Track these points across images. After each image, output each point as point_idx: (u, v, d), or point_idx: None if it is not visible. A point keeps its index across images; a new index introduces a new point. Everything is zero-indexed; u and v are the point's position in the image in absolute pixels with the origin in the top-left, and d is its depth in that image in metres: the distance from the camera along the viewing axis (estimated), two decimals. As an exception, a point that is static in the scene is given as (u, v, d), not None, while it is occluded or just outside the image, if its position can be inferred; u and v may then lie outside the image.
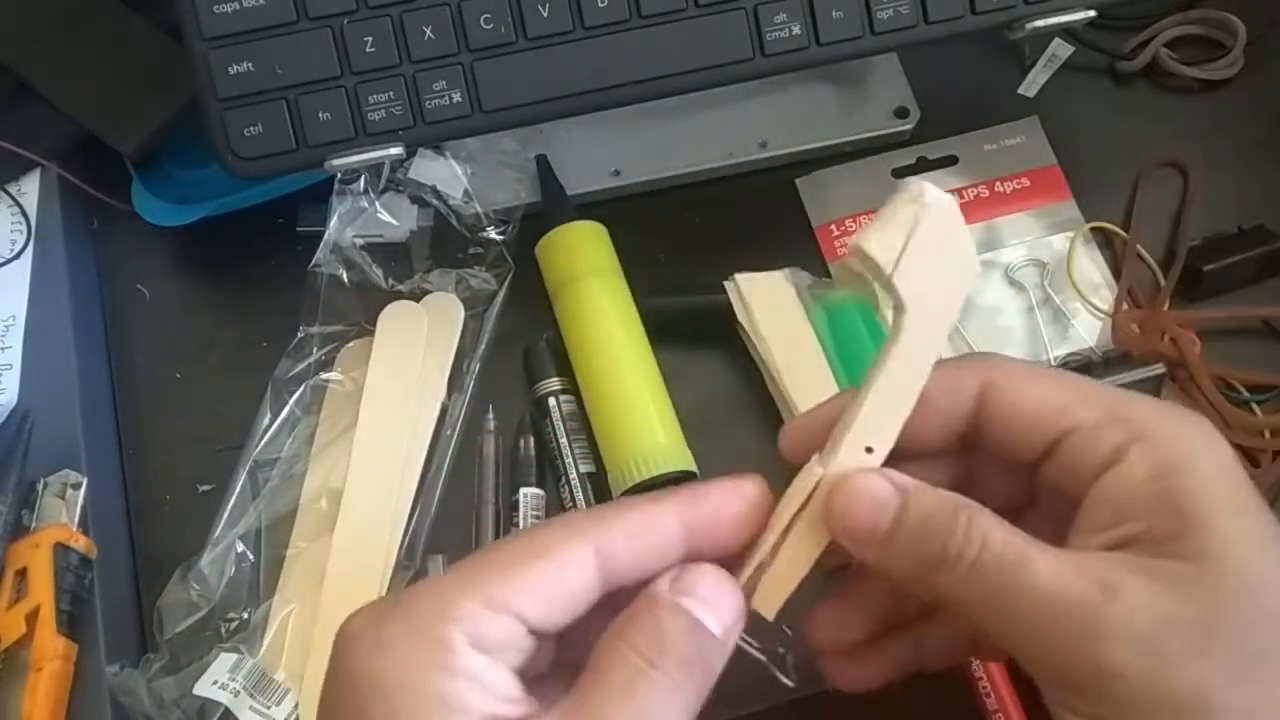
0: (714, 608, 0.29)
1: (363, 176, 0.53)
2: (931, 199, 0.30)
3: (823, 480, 0.31)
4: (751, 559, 0.31)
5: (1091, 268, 0.54)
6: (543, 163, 0.55)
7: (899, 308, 0.31)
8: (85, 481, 0.47)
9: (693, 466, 0.48)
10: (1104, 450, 0.29)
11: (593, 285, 0.51)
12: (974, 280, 0.31)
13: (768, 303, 0.51)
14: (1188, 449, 0.29)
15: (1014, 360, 0.33)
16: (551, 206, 0.54)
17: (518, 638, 0.29)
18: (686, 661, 0.28)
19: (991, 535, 0.28)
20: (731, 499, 0.31)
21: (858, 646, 0.34)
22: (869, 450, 0.31)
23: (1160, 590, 0.27)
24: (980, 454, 0.33)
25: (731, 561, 0.32)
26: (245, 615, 0.47)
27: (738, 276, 0.52)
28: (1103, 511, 0.29)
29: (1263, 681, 0.26)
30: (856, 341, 0.51)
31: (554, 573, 0.29)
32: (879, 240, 0.30)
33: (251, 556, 0.48)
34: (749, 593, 0.31)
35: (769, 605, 0.31)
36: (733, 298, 0.51)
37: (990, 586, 0.28)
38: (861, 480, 0.30)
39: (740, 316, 0.51)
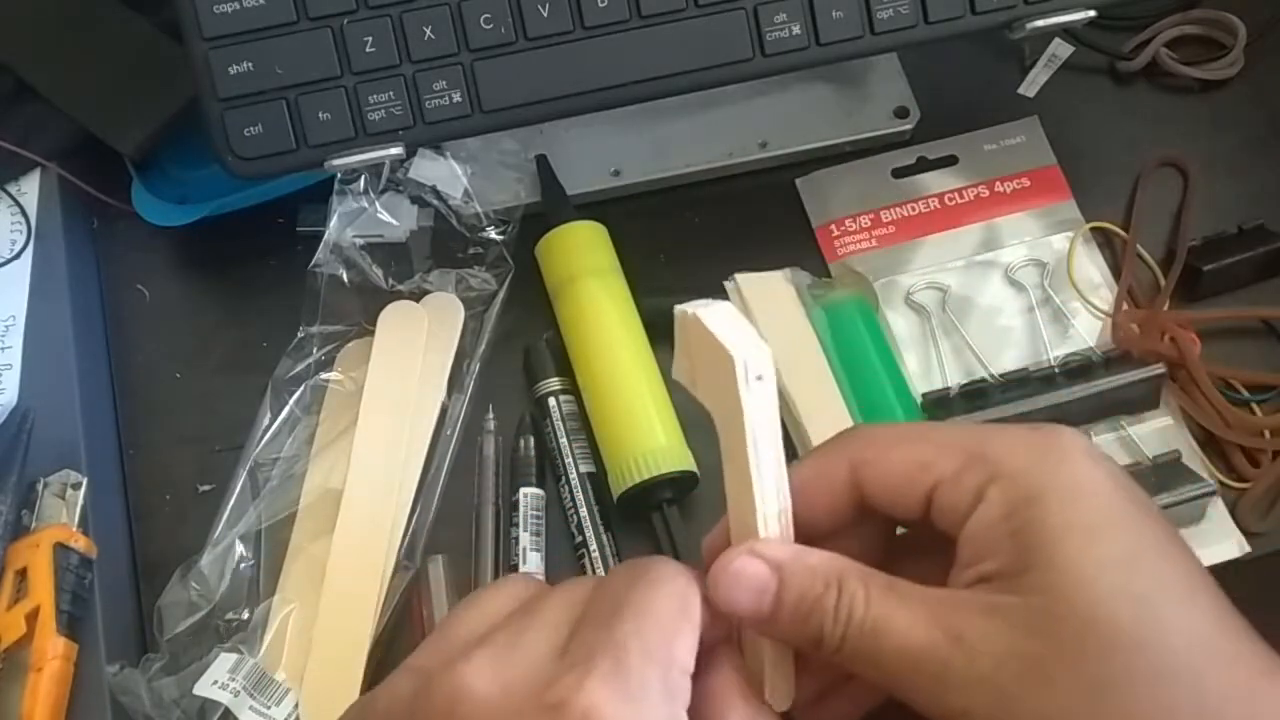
0: None
1: (363, 176, 0.53)
2: (680, 318, 0.33)
3: None
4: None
5: (1091, 268, 0.54)
6: (543, 163, 0.55)
7: (714, 417, 0.32)
8: (85, 481, 0.47)
9: (693, 466, 0.48)
10: (967, 496, 0.30)
11: (593, 285, 0.51)
12: (761, 363, 0.31)
13: (768, 303, 0.51)
14: (1039, 480, 0.29)
15: (881, 428, 0.35)
16: (551, 206, 0.54)
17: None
18: None
19: (856, 605, 0.29)
20: None
21: (821, 698, 0.34)
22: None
23: (1001, 628, 0.28)
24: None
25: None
26: (245, 615, 0.47)
27: (738, 276, 0.52)
28: (965, 552, 0.30)
29: (1105, 709, 0.27)
30: (856, 341, 0.51)
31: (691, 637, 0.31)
32: (677, 368, 0.34)
33: (251, 556, 0.48)
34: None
35: (780, 700, 0.32)
36: (732, 298, 0.51)
37: (860, 654, 0.29)
38: (739, 565, 0.31)
39: None
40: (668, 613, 0.30)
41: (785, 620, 0.30)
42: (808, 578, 0.30)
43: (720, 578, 0.31)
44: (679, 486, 0.48)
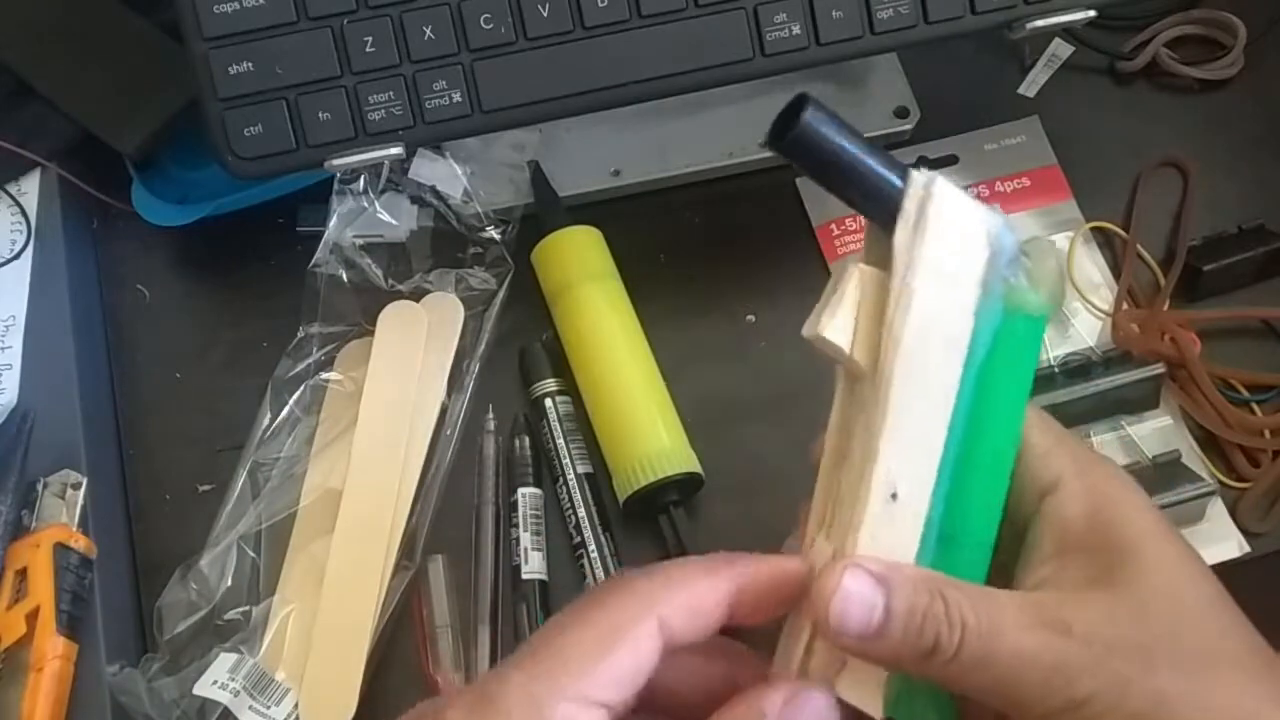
0: None
1: (363, 176, 0.53)
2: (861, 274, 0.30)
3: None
4: (795, 643, 0.32)
5: (1091, 268, 0.54)
6: (536, 169, 0.55)
7: (859, 376, 0.30)
8: (85, 481, 0.47)
9: (697, 468, 0.48)
10: (1049, 475, 0.33)
11: (591, 291, 0.51)
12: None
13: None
14: (1116, 486, 0.33)
15: None
16: (544, 212, 0.54)
17: None
18: None
19: (966, 615, 0.30)
20: (779, 578, 0.33)
21: None
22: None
23: (1105, 618, 0.30)
24: None
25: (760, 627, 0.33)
26: (245, 615, 0.47)
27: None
28: (1046, 543, 0.32)
29: (1207, 680, 0.30)
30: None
31: (632, 658, 0.30)
32: (830, 323, 0.30)
33: (252, 556, 0.48)
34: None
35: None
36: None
37: (974, 660, 0.30)
38: (847, 583, 0.30)
39: None
40: (577, 646, 0.30)
41: (896, 634, 0.30)
42: (912, 589, 0.30)
43: (824, 593, 0.30)
44: (684, 488, 0.48)
